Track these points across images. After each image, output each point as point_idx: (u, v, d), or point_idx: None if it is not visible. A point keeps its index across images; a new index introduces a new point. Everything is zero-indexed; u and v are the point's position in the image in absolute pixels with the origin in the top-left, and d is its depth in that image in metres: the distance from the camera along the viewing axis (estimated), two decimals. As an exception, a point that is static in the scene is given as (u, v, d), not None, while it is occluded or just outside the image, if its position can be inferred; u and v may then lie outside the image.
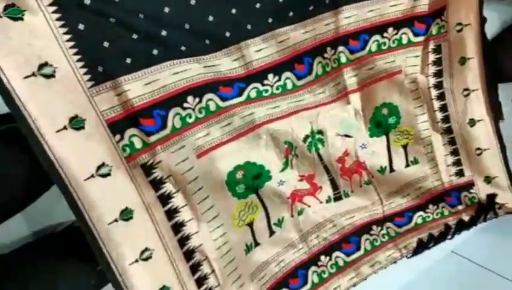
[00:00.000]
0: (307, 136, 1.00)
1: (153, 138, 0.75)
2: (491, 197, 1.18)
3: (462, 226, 1.17)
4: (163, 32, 0.73)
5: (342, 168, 1.06)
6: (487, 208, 1.18)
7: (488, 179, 1.18)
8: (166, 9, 0.73)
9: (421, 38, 1.05)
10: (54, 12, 0.63)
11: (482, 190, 1.18)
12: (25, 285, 0.73)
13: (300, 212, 1.00)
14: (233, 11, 0.82)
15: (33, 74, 0.62)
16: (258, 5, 0.84)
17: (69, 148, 0.66)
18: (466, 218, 1.18)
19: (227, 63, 0.83)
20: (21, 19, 0.60)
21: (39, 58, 0.62)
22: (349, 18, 0.96)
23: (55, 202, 0.74)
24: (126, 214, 0.73)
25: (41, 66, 0.62)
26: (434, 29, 1.06)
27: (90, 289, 0.81)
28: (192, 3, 0.76)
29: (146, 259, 0.76)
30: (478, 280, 1.26)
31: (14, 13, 0.60)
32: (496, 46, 1.27)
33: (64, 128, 0.66)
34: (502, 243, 1.33)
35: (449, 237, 1.17)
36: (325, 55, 0.97)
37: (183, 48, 0.76)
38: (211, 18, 0.79)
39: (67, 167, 0.66)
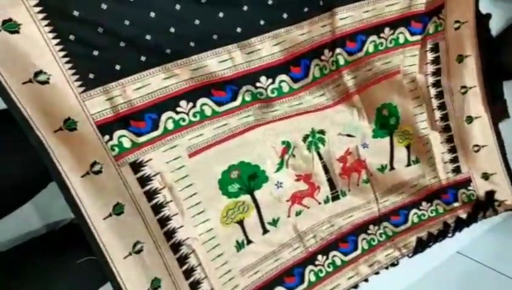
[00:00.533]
0: (306, 136, 1.02)
1: (142, 139, 0.80)
2: (490, 194, 1.19)
3: (461, 223, 1.18)
4: (148, 37, 0.77)
5: (343, 167, 1.08)
6: (486, 205, 1.19)
7: (486, 176, 1.19)
8: (152, 14, 0.77)
9: (418, 37, 1.06)
10: (46, 25, 0.68)
11: (480, 187, 1.19)
12: (25, 283, 0.76)
13: (298, 213, 1.03)
14: (221, 14, 0.83)
15: (30, 80, 0.68)
16: (245, 8, 0.85)
17: (66, 147, 0.73)
18: (463, 215, 1.19)
19: (215, 65, 0.85)
20: (17, 32, 0.66)
21: (34, 66, 0.68)
22: (345, 19, 0.96)
23: (54, 200, 0.77)
24: (118, 209, 0.79)
25: (37, 74, 0.69)
26: (431, 28, 1.08)
27: (91, 287, 0.84)
28: (178, 8, 0.79)
29: (138, 252, 0.82)
30: (484, 281, 1.24)
31: (11, 27, 0.66)
32: (500, 43, 1.25)
33: (60, 129, 0.72)
34: (508, 243, 1.31)
35: (449, 235, 1.18)
36: (322, 57, 0.98)
37: (168, 51, 0.79)
38: (197, 22, 0.81)
39: (66, 164, 0.73)
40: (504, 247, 1.32)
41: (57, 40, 0.69)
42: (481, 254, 1.28)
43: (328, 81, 1.01)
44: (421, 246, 1.15)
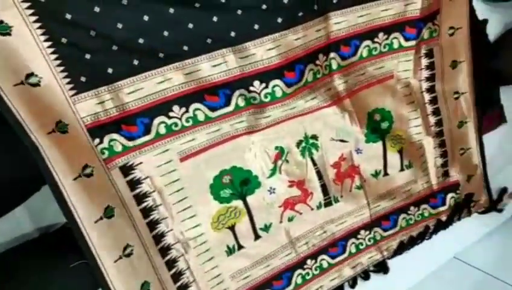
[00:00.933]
0: (300, 141, 1.04)
1: (133, 143, 0.81)
2: (469, 196, 1.24)
3: (439, 226, 1.23)
4: (141, 40, 0.78)
5: (337, 173, 1.09)
6: (462, 207, 1.24)
7: (469, 178, 1.23)
8: (146, 18, 0.77)
9: (412, 43, 1.07)
10: (38, 28, 0.69)
11: (465, 190, 1.24)
12: (20, 286, 0.77)
13: (290, 219, 1.04)
14: (215, 18, 0.84)
15: (21, 83, 0.69)
16: (239, 12, 0.86)
17: (59, 150, 0.74)
18: (444, 218, 1.23)
19: (208, 69, 0.85)
20: (9, 34, 0.67)
21: (26, 68, 0.69)
22: (339, 24, 0.97)
23: (46, 204, 0.78)
24: (109, 212, 0.80)
25: (28, 76, 0.69)
26: (426, 34, 1.09)
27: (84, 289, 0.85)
28: (171, 12, 0.79)
29: (128, 255, 0.83)
30: (480, 286, 1.24)
31: (3, 29, 0.66)
32: (498, 48, 1.27)
33: (53, 131, 0.73)
34: (504, 249, 1.31)
35: (427, 237, 1.22)
36: (317, 62, 0.99)
37: (161, 55, 0.80)
38: (190, 25, 0.82)
39: (59, 167, 0.74)
40: (500, 252, 1.33)
41: (49, 43, 0.70)
42: (478, 259, 1.29)
43: (319, 84, 1.02)
44: (401, 248, 1.18)
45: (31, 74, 0.69)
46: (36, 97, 0.70)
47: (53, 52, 0.70)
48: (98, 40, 0.73)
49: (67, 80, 0.72)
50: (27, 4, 0.67)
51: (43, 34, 0.69)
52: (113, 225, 0.80)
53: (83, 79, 0.74)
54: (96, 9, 0.72)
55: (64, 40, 0.71)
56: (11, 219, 0.81)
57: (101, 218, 0.79)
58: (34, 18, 0.68)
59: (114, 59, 0.76)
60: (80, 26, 0.72)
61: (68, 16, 0.70)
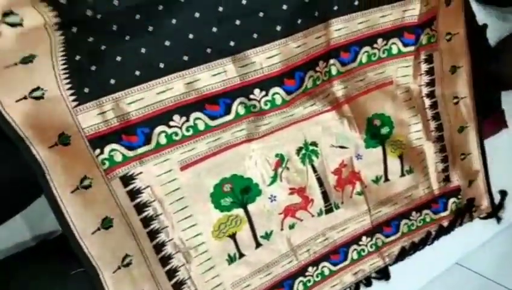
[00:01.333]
0: (300, 148, 1.05)
1: (134, 152, 0.82)
2: (470, 201, 1.24)
3: (441, 232, 1.24)
4: (142, 50, 0.79)
5: (338, 179, 1.10)
6: (464, 212, 1.24)
7: (470, 183, 1.24)
8: (150, 28, 0.79)
9: (411, 49, 1.08)
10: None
11: (466, 195, 1.24)
12: (20, 284, 0.78)
13: (291, 227, 1.06)
14: (214, 29, 0.85)
15: (24, 97, 0.70)
16: (238, 22, 0.87)
17: (59, 163, 0.75)
18: (445, 224, 1.24)
19: (208, 78, 0.86)
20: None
21: (32, 83, 0.71)
22: (340, 30, 0.98)
23: (47, 210, 0.79)
24: (107, 223, 0.81)
25: (33, 90, 0.71)
26: (424, 39, 1.10)
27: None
28: (173, 22, 0.81)
29: (127, 265, 0.84)
30: (483, 292, 1.25)
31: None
32: (498, 52, 1.28)
33: (55, 144, 0.75)
34: (508, 254, 1.32)
35: (429, 243, 1.23)
36: (317, 68, 0.99)
37: (161, 65, 0.81)
38: (191, 36, 0.83)
39: (57, 180, 0.75)
40: (503, 258, 1.33)
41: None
42: (480, 264, 1.30)
43: (318, 91, 1.03)
44: (403, 254, 1.19)
45: (37, 88, 0.71)
46: (39, 110, 0.71)
47: (63, 64, 0.72)
48: (104, 51, 0.75)
49: (71, 91, 0.74)
50: (56, 20, 0.70)
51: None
52: (111, 235, 0.81)
53: (86, 90, 0.75)
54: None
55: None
56: (10, 226, 0.82)
57: (98, 229, 0.80)
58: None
59: (117, 70, 0.77)
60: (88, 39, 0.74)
61: (74, 29, 0.72)
